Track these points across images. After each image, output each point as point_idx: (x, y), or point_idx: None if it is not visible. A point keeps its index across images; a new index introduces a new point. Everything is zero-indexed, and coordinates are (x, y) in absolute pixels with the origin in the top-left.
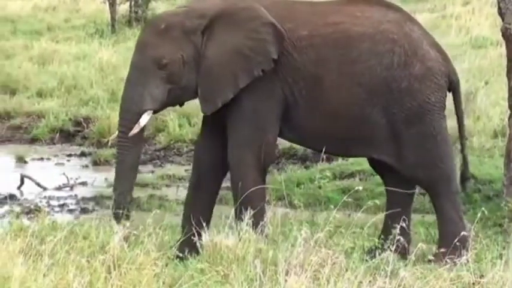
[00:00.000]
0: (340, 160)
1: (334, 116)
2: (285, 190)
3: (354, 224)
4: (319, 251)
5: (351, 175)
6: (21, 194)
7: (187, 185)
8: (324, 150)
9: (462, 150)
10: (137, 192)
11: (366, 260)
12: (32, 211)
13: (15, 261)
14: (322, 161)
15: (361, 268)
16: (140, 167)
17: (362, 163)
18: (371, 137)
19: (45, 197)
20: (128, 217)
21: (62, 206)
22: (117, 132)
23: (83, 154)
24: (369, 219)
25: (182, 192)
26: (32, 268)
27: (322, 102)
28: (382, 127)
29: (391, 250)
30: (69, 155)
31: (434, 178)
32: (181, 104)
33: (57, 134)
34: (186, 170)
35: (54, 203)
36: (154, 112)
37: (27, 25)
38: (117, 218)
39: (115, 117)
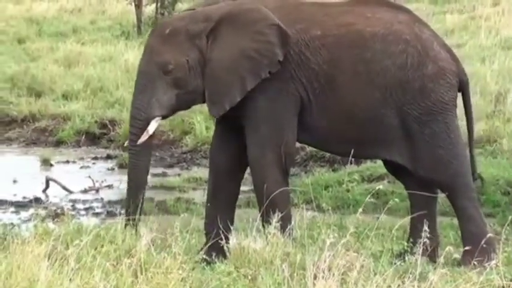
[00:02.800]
0: (368, 163)
1: (348, 117)
2: (313, 193)
3: (382, 227)
4: (347, 255)
5: (380, 178)
6: (47, 197)
7: None
8: (337, 152)
9: (470, 151)
10: (164, 196)
11: (395, 264)
12: (58, 215)
13: (41, 265)
14: (351, 163)
15: (390, 271)
16: (167, 170)
17: None
18: (384, 138)
19: (70, 201)
20: (138, 221)
21: (87, 209)
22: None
23: (108, 157)
24: (397, 222)
25: None
26: (58, 272)
27: (336, 102)
28: (395, 128)
29: (419, 253)
30: (95, 158)
31: (450, 177)
32: (188, 108)
33: (83, 137)
34: None
35: (79, 206)
36: (164, 117)
37: (53, 27)
38: (129, 222)
39: None
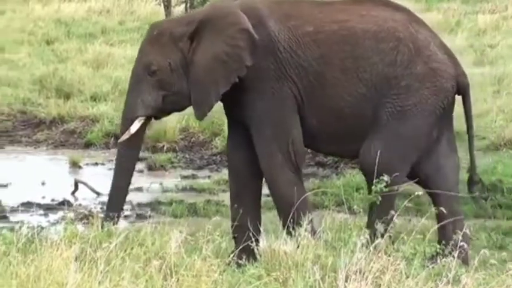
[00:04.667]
0: None
1: (336, 114)
2: (344, 195)
3: (415, 230)
4: (380, 257)
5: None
6: (76, 199)
7: None
8: (328, 151)
9: (470, 155)
10: (194, 198)
11: (427, 266)
12: (87, 217)
13: (70, 268)
14: None
15: (423, 274)
16: (196, 172)
17: None
18: (366, 133)
19: (99, 203)
20: (117, 219)
21: None
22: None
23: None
24: (430, 225)
25: None
26: (87, 275)
27: (325, 99)
28: (373, 122)
29: (454, 256)
30: None
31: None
32: (181, 109)
33: (112, 139)
34: None
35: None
36: (156, 118)
37: (81, 28)
38: (108, 219)
39: (170, 122)
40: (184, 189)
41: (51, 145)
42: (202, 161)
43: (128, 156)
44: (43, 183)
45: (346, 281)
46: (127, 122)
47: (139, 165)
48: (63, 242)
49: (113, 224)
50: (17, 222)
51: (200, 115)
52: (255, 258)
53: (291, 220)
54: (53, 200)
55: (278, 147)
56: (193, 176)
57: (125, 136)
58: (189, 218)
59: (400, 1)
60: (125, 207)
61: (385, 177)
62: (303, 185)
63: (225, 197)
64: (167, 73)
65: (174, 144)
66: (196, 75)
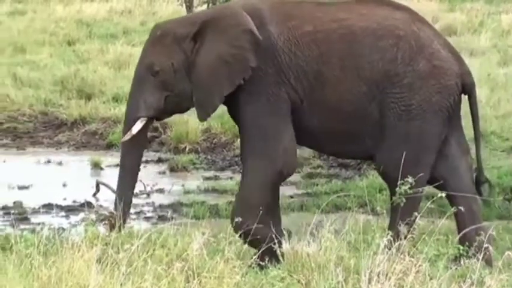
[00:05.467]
0: None
1: (337, 113)
2: (367, 196)
3: (438, 231)
4: (403, 259)
5: None
6: (97, 201)
7: None
8: (330, 152)
9: (477, 155)
10: (216, 199)
11: (451, 268)
12: (108, 218)
13: (91, 270)
14: None
15: (446, 276)
16: (219, 173)
17: None
18: (370, 134)
19: None
20: (124, 221)
21: (138, 213)
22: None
23: (159, 160)
24: (453, 227)
25: None
26: (109, 277)
27: (325, 99)
28: (376, 123)
29: (478, 258)
30: (146, 161)
31: (396, 180)
32: (183, 111)
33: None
34: None
35: (130, 210)
36: (158, 119)
37: (103, 29)
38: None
39: (193, 123)
40: (206, 191)
41: (73, 146)
42: (224, 162)
43: (132, 156)
44: (64, 185)
45: (369, 282)
46: (129, 122)
47: (161, 167)
48: (84, 244)
49: (121, 225)
50: (38, 223)
51: (203, 116)
52: (278, 260)
53: (238, 223)
54: (74, 202)
55: (264, 158)
56: (216, 177)
57: (127, 136)
58: (211, 219)
59: (423, 1)
60: (146, 208)
61: (409, 179)
62: (275, 196)
63: None
64: (170, 74)
65: (196, 145)
66: (199, 76)
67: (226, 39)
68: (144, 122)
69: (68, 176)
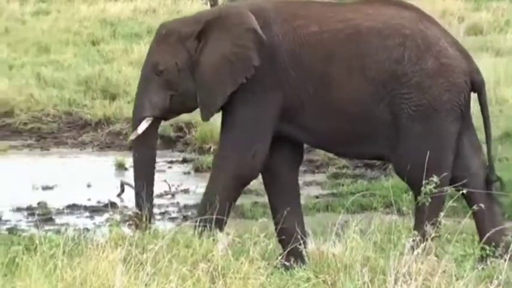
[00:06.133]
0: None
1: (343, 114)
2: (393, 196)
3: (463, 231)
4: (429, 259)
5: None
6: (122, 201)
7: None
8: (338, 152)
9: (488, 153)
10: (240, 200)
11: (477, 269)
12: (132, 219)
13: (116, 271)
14: None
15: (473, 277)
16: None
17: None
18: (379, 135)
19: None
20: (149, 221)
21: (163, 213)
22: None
23: (184, 160)
24: None
25: None
26: (134, 277)
27: (331, 100)
28: (387, 124)
29: (506, 258)
30: (171, 162)
31: (421, 181)
32: (189, 110)
33: (158, 140)
34: None
35: (155, 210)
36: (165, 119)
37: (127, 28)
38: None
39: (217, 122)
40: None
41: (97, 147)
42: None
43: (143, 157)
44: (89, 185)
45: (395, 283)
46: (135, 122)
47: (186, 167)
48: (109, 244)
49: (146, 225)
50: (63, 224)
51: (206, 116)
52: (303, 261)
53: (204, 220)
54: (98, 202)
55: (233, 158)
56: None
57: (132, 136)
58: (235, 219)
59: (448, 0)
60: (171, 209)
61: (434, 178)
62: (237, 196)
63: None
64: (174, 73)
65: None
66: (202, 75)
67: (229, 38)
68: (149, 121)
69: (92, 177)
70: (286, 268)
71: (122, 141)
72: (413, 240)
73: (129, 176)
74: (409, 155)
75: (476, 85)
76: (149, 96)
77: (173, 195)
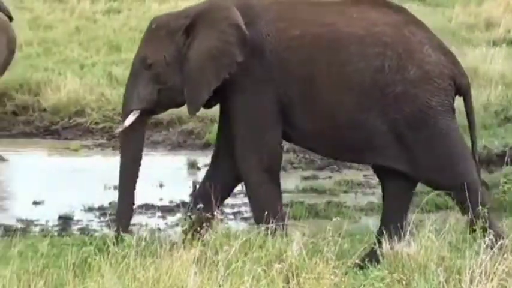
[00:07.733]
0: None
1: (329, 120)
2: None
3: None
4: (505, 259)
5: None
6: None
7: (365, 191)
8: (327, 154)
9: (473, 155)
10: (314, 199)
11: None
12: (206, 219)
13: (190, 271)
14: (507, 164)
15: None
16: (317, 173)
17: None
18: (371, 143)
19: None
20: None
21: (236, 213)
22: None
23: None
24: None
25: (360, 199)
26: (207, 278)
27: (315, 105)
28: (383, 133)
29: None
30: None
31: (451, 179)
32: (177, 105)
33: None
34: (364, 176)
35: (228, 210)
36: (153, 113)
37: None
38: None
39: None
40: (304, 190)
41: (169, 146)
42: (323, 161)
43: (129, 152)
44: (161, 185)
45: (470, 283)
46: (124, 115)
47: None
48: (182, 245)
49: (123, 229)
50: (135, 224)
51: (192, 110)
52: (378, 261)
53: (265, 221)
54: (171, 202)
55: (251, 148)
56: (314, 177)
57: (119, 129)
58: (309, 219)
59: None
60: (244, 209)
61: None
62: (277, 187)
63: (346, 198)
64: (163, 67)
65: (293, 145)
66: (189, 70)
67: (213, 33)
68: (136, 114)
69: (165, 176)
70: (361, 268)
71: (194, 140)
72: (490, 240)
73: (202, 176)
74: (427, 167)
75: (462, 89)
76: (137, 90)
77: (246, 194)
